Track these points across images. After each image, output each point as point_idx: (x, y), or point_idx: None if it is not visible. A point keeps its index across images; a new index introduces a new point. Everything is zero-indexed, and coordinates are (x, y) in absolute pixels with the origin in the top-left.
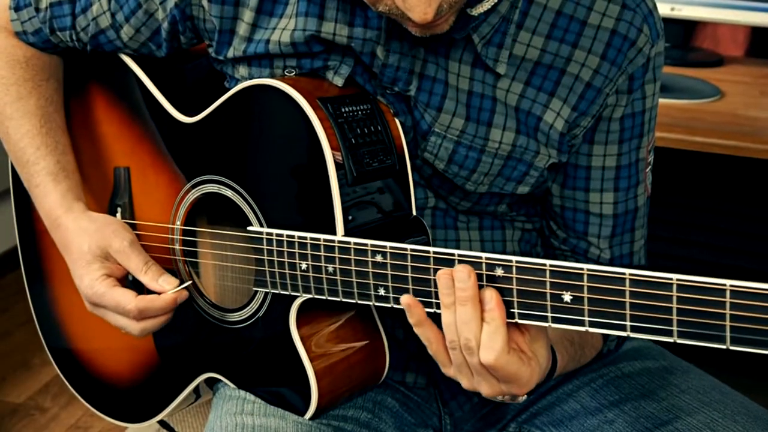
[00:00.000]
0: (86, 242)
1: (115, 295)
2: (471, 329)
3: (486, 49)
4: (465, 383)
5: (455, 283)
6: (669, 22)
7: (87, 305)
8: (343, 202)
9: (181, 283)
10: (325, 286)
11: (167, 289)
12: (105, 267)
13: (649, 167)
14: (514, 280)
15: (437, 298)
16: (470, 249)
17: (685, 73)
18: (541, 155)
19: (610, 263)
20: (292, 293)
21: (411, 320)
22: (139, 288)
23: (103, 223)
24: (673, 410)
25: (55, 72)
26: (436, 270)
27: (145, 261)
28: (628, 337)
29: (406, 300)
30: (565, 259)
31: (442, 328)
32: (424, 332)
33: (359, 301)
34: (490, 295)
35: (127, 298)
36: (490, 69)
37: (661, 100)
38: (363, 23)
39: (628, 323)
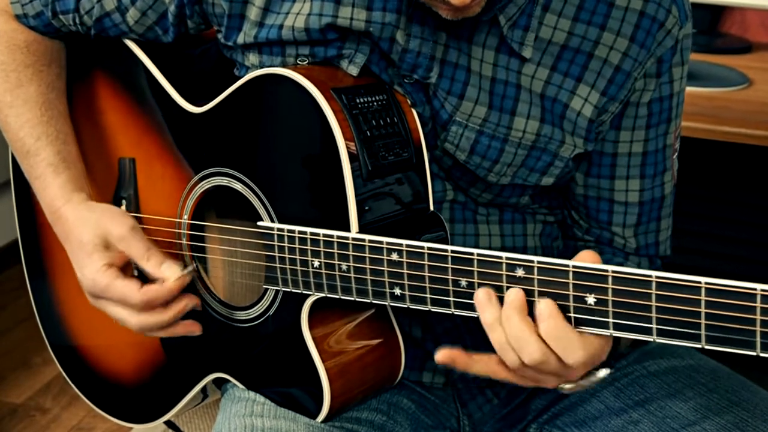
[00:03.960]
0: (86, 232)
1: (118, 287)
2: (526, 350)
3: (512, 32)
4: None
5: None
6: (695, 6)
7: (88, 298)
8: (357, 197)
9: (186, 267)
10: (338, 285)
11: (168, 276)
12: (106, 256)
13: (676, 154)
14: (536, 281)
15: (455, 296)
16: (490, 243)
17: (711, 60)
18: (566, 145)
19: (636, 252)
20: (304, 291)
21: (459, 369)
22: (143, 278)
23: (102, 211)
24: (701, 410)
25: (57, 57)
26: (454, 270)
27: (147, 247)
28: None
29: (443, 357)
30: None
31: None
32: (478, 369)
33: (374, 301)
34: (543, 308)
35: (132, 290)
36: (515, 54)
37: (687, 88)
38: (382, 6)
39: (654, 327)
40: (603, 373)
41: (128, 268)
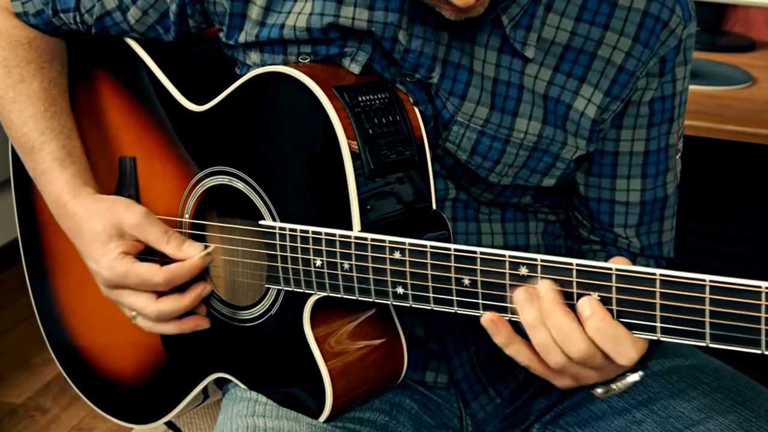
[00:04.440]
0: (99, 223)
1: (138, 271)
2: (572, 342)
3: (514, 32)
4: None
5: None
6: (699, 4)
7: (103, 289)
8: (359, 196)
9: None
10: (340, 284)
11: (193, 254)
12: (122, 245)
13: (679, 154)
14: (539, 279)
15: (458, 295)
16: (492, 242)
17: (715, 59)
18: (568, 146)
19: (642, 253)
20: (306, 290)
21: (497, 340)
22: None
23: (112, 202)
24: (705, 410)
25: (59, 54)
26: (456, 268)
27: (165, 230)
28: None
29: (489, 317)
30: (594, 254)
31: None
32: (517, 351)
33: (376, 300)
34: (585, 304)
35: (153, 271)
36: (517, 54)
37: (691, 87)
38: (384, 6)
39: (658, 325)
40: (634, 377)
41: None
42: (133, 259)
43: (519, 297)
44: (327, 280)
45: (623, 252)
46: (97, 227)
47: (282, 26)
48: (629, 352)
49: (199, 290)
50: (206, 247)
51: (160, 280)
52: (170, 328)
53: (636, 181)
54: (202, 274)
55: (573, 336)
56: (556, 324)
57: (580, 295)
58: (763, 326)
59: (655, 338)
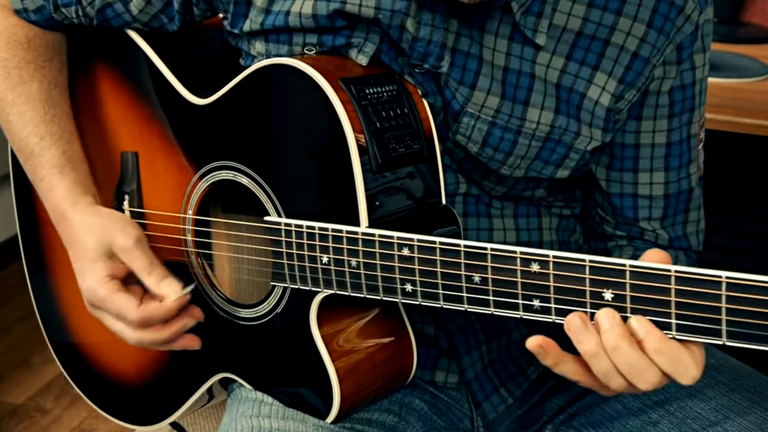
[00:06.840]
0: (90, 239)
1: (117, 301)
2: (644, 377)
3: (525, 19)
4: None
5: (601, 328)
6: None
7: (87, 306)
8: (367, 191)
9: (186, 286)
10: (347, 281)
11: (167, 294)
12: (108, 267)
13: (701, 144)
14: (551, 276)
15: (468, 292)
16: (504, 238)
17: (732, 50)
18: (582, 137)
19: (670, 245)
20: (313, 288)
21: (546, 362)
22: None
23: (109, 218)
24: (722, 410)
25: (58, 51)
26: (467, 265)
27: (150, 262)
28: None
29: (536, 342)
30: (620, 249)
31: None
32: (567, 369)
33: (384, 297)
34: (639, 324)
35: (130, 307)
36: (528, 41)
37: (708, 79)
38: None
39: (673, 322)
40: None
41: (131, 278)
42: (118, 285)
43: (574, 324)
44: (334, 278)
45: (650, 245)
46: (87, 243)
47: (288, 13)
48: (691, 371)
49: (182, 324)
50: (186, 286)
51: (134, 318)
52: (157, 348)
53: (659, 174)
54: (199, 282)
55: (647, 371)
56: (625, 359)
57: (593, 293)
58: None
59: (671, 336)
